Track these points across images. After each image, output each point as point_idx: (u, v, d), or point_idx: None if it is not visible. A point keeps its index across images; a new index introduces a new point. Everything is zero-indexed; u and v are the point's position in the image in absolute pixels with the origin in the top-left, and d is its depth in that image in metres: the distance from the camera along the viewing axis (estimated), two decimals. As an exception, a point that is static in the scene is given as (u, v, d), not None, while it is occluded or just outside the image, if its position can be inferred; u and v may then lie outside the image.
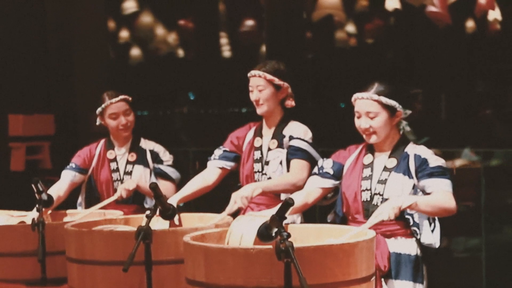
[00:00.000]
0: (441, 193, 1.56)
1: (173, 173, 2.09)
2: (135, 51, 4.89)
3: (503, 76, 3.55)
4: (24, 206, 2.01)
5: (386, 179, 1.60)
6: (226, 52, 4.92)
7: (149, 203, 2.08)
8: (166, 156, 2.12)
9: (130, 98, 2.09)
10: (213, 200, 2.01)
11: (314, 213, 1.77)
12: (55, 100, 3.70)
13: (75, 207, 2.13)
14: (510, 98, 3.37)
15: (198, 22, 4.79)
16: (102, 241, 1.51)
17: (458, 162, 2.91)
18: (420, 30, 3.83)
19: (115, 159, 2.11)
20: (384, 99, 1.59)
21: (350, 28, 4.22)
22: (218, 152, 1.95)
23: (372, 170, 1.63)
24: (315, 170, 1.70)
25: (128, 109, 2.07)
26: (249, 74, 1.89)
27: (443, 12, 3.13)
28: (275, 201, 1.84)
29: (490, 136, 3.24)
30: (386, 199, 1.57)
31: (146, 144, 2.13)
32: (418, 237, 1.60)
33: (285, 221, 1.27)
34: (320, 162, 1.70)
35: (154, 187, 1.51)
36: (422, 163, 1.59)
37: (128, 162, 2.10)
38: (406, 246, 1.60)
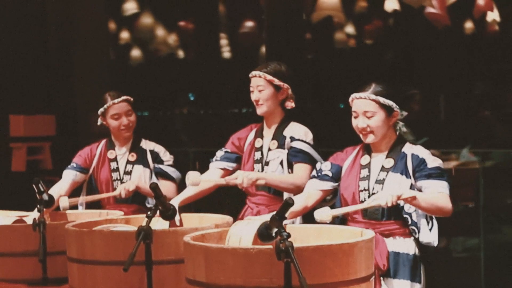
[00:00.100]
0: (438, 194, 1.57)
1: (173, 172, 2.10)
2: (136, 52, 4.90)
3: (502, 77, 3.56)
4: (25, 206, 2.01)
5: (383, 179, 1.62)
6: (226, 53, 4.93)
7: (150, 202, 2.08)
8: (167, 156, 2.13)
9: (132, 99, 2.10)
10: (214, 200, 2.02)
11: (313, 215, 1.77)
12: (55, 101, 3.71)
13: (77, 206, 2.14)
14: (509, 98, 3.38)
15: (198, 23, 4.80)
16: (103, 241, 1.51)
17: (457, 163, 2.92)
18: (419, 31, 3.84)
19: (115, 159, 2.12)
20: (382, 99, 1.61)
21: (350, 29, 4.23)
22: (219, 153, 1.96)
23: (369, 171, 1.64)
24: (314, 173, 1.72)
25: (130, 110, 2.09)
26: (250, 74, 1.91)
27: (442, 13, 3.14)
28: (275, 201, 1.86)
29: (489, 137, 3.25)
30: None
31: (147, 145, 2.14)
32: (417, 236, 1.61)
33: (284, 222, 1.28)
34: (318, 165, 1.72)
35: (154, 187, 1.52)
36: (419, 163, 1.60)
37: (128, 162, 2.11)
38: (404, 246, 1.62)
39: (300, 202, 1.66)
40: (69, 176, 2.10)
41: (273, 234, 1.27)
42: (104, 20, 4.02)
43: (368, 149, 1.68)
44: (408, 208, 1.60)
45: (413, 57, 4.03)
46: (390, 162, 1.63)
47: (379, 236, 1.59)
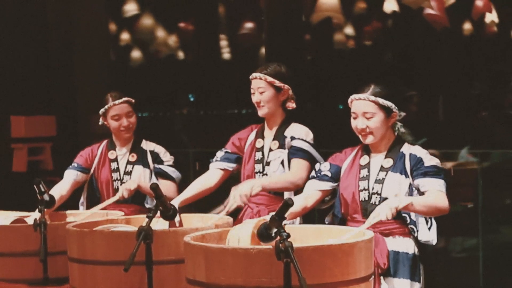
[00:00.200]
0: (434, 193, 1.58)
1: (173, 172, 2.11)
2: (136, 53, 4.91)
3: (500, 78, 3.57)
4: (25, 207, 2.02)
5: (383, 179, 1.62)
6: (226, 54, 4.94)
7: (149, 203, 2.09)
8: (167, 157, 2.14)
9: (133, 100, 2.11)
10: (214, 201, 2.03)
11: (313, 215, 1.78)
12: (56, 102, 3.71)
13: (78, 207, 2.15)
14: (508, 99, 3.39)
15: (198, 24, 4.81)
16: (103, 241, 1.52)
17: (456, 163, 2.93)
18: (418, 33, 3.85)
19: (116, 159, 2.13)
20: (381, 100, 1.62)
21: (349, 30, 4.25)
22: (220, 154, 1.97)
23: (369, 171, 1.65)
24: (313, 173, 1.72)
25: (130, 111, 2.10)
26: (250, 77, 1.91)
27: (441, 14, 3.16)
28: (275, 201, 1.86)
29: (488, 137, 3.26)
30: (385, 198, 1.59)
31: (147, 145, 2.15)
32: (416, 234, 1.62)
33: (284, 222, 1.29)
34: (318, 165, 1.72)
35: (155, 187, 1.52)
36: (417, 162, 1.62)
37: (128, 162, 2.11)
38: (404, 245, 1.62)
39: (300, 202, 1.66)
40: (71, 176, 2.11)
41: (273, 234, 1.27)
42: (105, 21, 4.03)
43: (367, 150, 1.68)
44: (407, 207, 1.61)
45: (412, 58, 4.04)
46: (389, 162, 1.64)
47: (379, 235, 1.60)
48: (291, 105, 1.91)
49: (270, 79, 1.88)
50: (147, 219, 1.48)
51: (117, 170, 2.11)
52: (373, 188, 1.63)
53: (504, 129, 3.22)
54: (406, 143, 1.67)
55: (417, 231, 1.61)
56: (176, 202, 1.78)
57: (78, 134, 3.70)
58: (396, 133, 1.67)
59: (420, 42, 3.93)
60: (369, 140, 1.65)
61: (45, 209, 1.77)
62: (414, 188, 1.61)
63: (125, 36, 4.78)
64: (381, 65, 4.09)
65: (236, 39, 4.63)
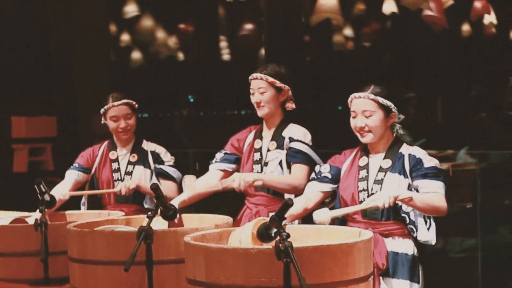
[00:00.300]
0: (434, 194, 1.59)
1: (174, 172, 2.11)
2: (136, 54, 4.93)
3: (498, 79, 3.59)
4: (26, 207, 2.03)
5: (382, 179, 1.63)
6: (226, 55, 4.96)
7: (148, 203, 2.10)
8: (167, 157, 2.14)
9: (134, 103, 2.11)
10: (213, 201, 2.04)
11: (312, 216, 1.79)
12: (57, 103, 3.73)
13: (79, 207, 2.15)
14: (506, 100, 3.41)
15: (198, 25, 4.83)
16: (104, 241, 1.53)
17: (454, 164, 2.94)
18: (416, 34, 3.87)
19: (116, 160, 2.13)
20: (381, 99, 1.63)
21: (348, 31, 4.27)
22: (219, 155, 1.98)
23: (368, 172, 1.66)
24: (313, 175, 1.73)
25: (129, 113, 2.10)
26: (250, 77, 1.92)
27: (440, 16, 3.17)
28: (274, 202, 1.87)
29: (486, 138, 3.27)
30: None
31: (148, 146, 2.16)
32: (415, 234, 1.63)
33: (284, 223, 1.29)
34: (317, 167, 1.73)
35: (155, 187, 1.53)
36: (416, 163, 1.63)
37: (129, 163, 2.12)
38: (403, 246, 1.63)
39: (300, 204, 1.67)
40: (72, 176, 2.12)
41: (273, 235, 1.28)
42: (105, 23, 4.04)
43: (366, 151, 1.69)
44: (405, 207, 1.62)
45: (411, 59, 4.05)
46: (388, 163, 1.65)
47: (378, 236, 1.61)
48: (291, 105, 1.92)
49: (271, 79, 1.88)
50: (147, 219, 1.48)
51: (118, 170, 2.12)
52: (372, 189, 1.63)
53: (502, 130, 3.23)
54: (405, 144, 1.68)
55: (416, 231, 1.62)
56: (175, 203, 1.79)
57: (78, 135, 3.71)
58: (394, 135, 1.68)
59: (419, 43, 3.94)
60: (368, 138, 1.65)
61: (46, 209, 1.78)
62: (413, 189, 1.62)
63: (125, 37, 4.79)
64: (380, 66, 4.10)
65: (236, 40, 4.64)
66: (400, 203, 1.61)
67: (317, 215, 1.54)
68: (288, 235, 1.23)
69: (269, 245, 1.28)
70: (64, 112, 3.72)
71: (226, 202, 1.88)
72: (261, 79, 1.89)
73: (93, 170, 2.15)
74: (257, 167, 1.91)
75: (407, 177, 1.62)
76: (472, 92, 3.83)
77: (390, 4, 3.46)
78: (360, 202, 1.64)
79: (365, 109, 1.63)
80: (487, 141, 3.22)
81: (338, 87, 3.92)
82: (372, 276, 1.38)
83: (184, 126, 4.72)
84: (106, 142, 2.18)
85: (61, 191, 2.05)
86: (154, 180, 2.10)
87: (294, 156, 1.87)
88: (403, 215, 1.62)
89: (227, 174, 1.95)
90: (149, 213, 1.51)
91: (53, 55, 3.77)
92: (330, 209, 1.67)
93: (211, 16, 4.85)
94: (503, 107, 3.34)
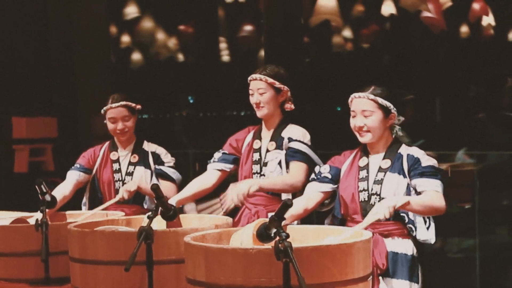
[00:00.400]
0: (431, 193, 1.60)
1: (174, 173, 2.12)
2: (136, 56, 4.94)
3: (496, 80, 3.60)
4: (27, 207, 2.04)
5: (382, 179, 1.64)
6: (225, 57, 4.97)
7: (148, 204, 2.11)
8: (168, 158, 2.15)
9: (132, 105, 2.12)
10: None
11: (311, 216, 1.80)
12: (57, 104, 3.74)
13: (80, 207, 2.16)
14: (504, 101, 3.42)
15: (197, 27, 4.84)
16: (104, 241, 1.54)
17: (453, 164, 2.95)
18: (415, 35, 3.88)
19: (117, 160, 2.14)
20: (380, 99, 1.64)
21: (347, 33, 4.28)
22: (217, 155, 1.98)
23: (368, 172, 1.67)
24: (313, 176, 1.74)
25: (127, 115, 2.11)
26: (249, 78, 1.92)
27: (438, 17, 3.19)
28: (273, 202, 1.88)
29: (485, 139, 3.28)
30: (383, 199, 1.61)
31: (149, 147, 2.16)
32: (414, 234, 1.64)
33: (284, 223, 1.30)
34: (317, 168, 1.74)
35: (155, 188, 1.54)
36: (414, 162, 1.64)
37: (130, 163, 2.13)
38: (402, 246, 1.64)
39: (301, 204, 1.67)
40: (73, 176, 2.13)
41: (272, 235, 1.29)
42: (105, 24, 4.06)
43: (365, 151, 1.70)
44: (404, 207, 1.63)
45: (409, 61, 4.07)
46: (387, 163, 1.66)
47: (378, 236, 1.62)
48: (289, 106, 1.93)
49: (270, 80, 1.89)
50: (147, 220, 1.49)
51: (119, 171, 2.13)
52: (372, 189, 1.65)
53: (501, 130, 3.25)
54: (404, 145, 1.69)
55: (416, 230, 1.63)
56: (173, 202, 1.79)
57: (78, 136, 3.72)
58: (394, 136, 1.70)
59: (418, 44, 3.96)
60: (367, 138, 1.66)
61: (47, 210, 1.78)
62: (412, 188, 1.63)
63: (125, 38, 4.80)
64: (379, 67, 4.12)
65: (235, 41, 4.65)
66: None
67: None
68: (287, 235, 1.24)
69: (269, 245, 1.29)
70: (65, 113, 3.72)
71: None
72: (261, 80, 1.90)
73: (94, 171, 2.15)
74: (256, 167, 1.92)
75: (406, 177, 1.63)
76: (471, 93, 3.84)
77: (389, 6, 3.48)
78: (360, 202, 1.65)
79: (364, 109, 1.65)
80: (486, 142, 3.23)
81: (337, 88, 3.94)
82: (371, 276, 1.39)
83: (184, 126, 4.73)
84: (107, 143, 2.19)
85: (63, 191, 2.05)
86: (155, 181, 2.10)
87: (293, 156, 1.87)
88: (402, 214, 1.63)
89: (224, 174, 1.96)
90: (150, 213, 1.52)
91: (54, 56, 3.78)
92: (329, 211, 1.68)
93: (211, 17, 4.86)
94: (501, 108, 3.36)
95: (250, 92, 1.93)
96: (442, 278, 2.70)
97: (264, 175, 1.90)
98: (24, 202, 2.13)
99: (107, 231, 1.61)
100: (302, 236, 1.50)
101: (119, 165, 2.14)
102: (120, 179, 2.12)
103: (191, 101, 5.07)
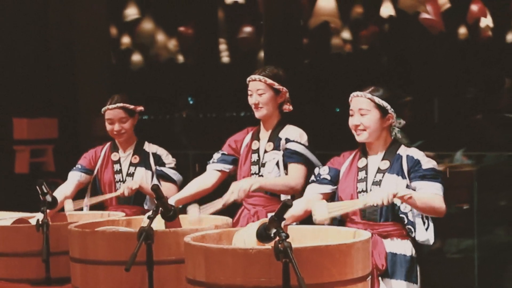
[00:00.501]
0: (433, 195, 1.61)
1: (175, 175, 2.13)
2: (136, 57, 4.95)
3: (495, 81, 3.62)
4: (28, 208, 2.05)
5: (380, 180, 1.65)
6: (225, 58, 4.98)
7: (148, 204, 2.12)
8: (169, 159, 2.16)
9: (130, 106, 2.12)
10: (212, 201, 2.05)
11: (310, 217, 1.81)
12: (58, 105, 3.74)
13: (81, 209, 2.16)
14: (502, 102, 3.44)
15: (197, 28, 4.85)
16: (105, 242, 1.55)
17: (451, 165, 2.97)
18: (414, 37, 3.90)
19: (118, 161, 2.15)
20: (377, 99, 1.65)
21: (346, 34, 4.30)
22: (216, 156, 1.99)
23: (366, 173, 1.68)
24: (313, 178, 1.75)
25: (124, 117, 2.11)
26: (248, 79, 1.93)
27: (437, 19, 3.20)
28: (271, 202, 1.88)
29: (483, 140, 3.30)
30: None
31: (150, 148, 2.17)
32: (413, 235, 1.64)
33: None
34: (317, 170, 1.75)
35: (155, 188, 1.55)
36: (414, 164, 1.64)
37: (131, 164, 2.14)
38: (401, 247, 1.65)
39: (301, 206, 1.68)
40: (75, 177, 2.14)
41: (272, 235, 1.30)
42: (106, 25, 4.06)
43: (364, 152, 1.71)
44: (404, 207, 1.64)
45: (408, 62, 4.08)
46: (386, 164, 1.67)
47: (377, 237, 1.63)
48: (288, 107, 1.94)
49: (269, 81, 1.90)
50: (148, 220, 1.50)
51: (120, 171, 2.14)
52: (370, 190, 1.65)
53: (499, 131, 3.26)
54: (403, 146, 1.70)
55: (415, 231, 1.64)
56: (171, 202, 1.80)
57: (79, 136, 3.73)
58: (393, 138, 1.70)
59: (416, 46, 3.97)
60: (363, 137, 1.67)
61: (48, 210, 1.79)
62: (411, 190, 1.63)
63: (125, 40, 4.82)
64: (378, 68, 4.13)
65: (235, 42, 4.67)
66: (398, 204, 1.63)
67: (316, 213, 1.54)
68: (287, 236, 1.25)
69: (269, 246, 1.29)
70: (65, 114, 3.73)
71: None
72: (260, 80, 1.91)
73: (95, 172, 2.16)
74: (254, 168, 1.93)
75: (405, 178, 1.64)
76: (469, 94, 3.85)
77: (388, 8, 3.49)
78: None
79: (361, 107, 1.66)
80: (484, 143, 3.25)
81: (336, 89, 3.95)
82: (370, 276, 1.40)
83: (184, 127, 4.73)
84: (108, 144, 2.20)
85: (65, 192, 2.06)
86: (155, 181, 2.11)
87: (290, 157, 1.88)
88: (401, 215, 1.64)
89: (224, 174, 1.97)
90: (150, 213, 1.53)
91: (54, 57, 3.79)
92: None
93: (211, 19, 4.88)
94: (499, 109, 3.37)
95: (249, 92, 1.94)
96: (441, 279, 2.71)
97: (262, 175, 1.91)
98: (25, 202, 2.14)
99: (108, 232, 1.62)
100: (301, 236, 1.51)
101: (120, 166, 2.14)
102: (121, 179, 2.13)
103: (191, 102, 5.08)
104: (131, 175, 2.13)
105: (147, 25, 4.56)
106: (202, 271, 1.33)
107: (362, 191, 1.66)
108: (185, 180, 2.10)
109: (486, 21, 3.56)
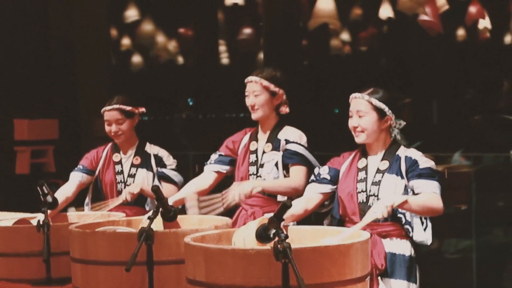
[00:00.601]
0: (429, 194, 1.62)
1: (175, 176, 2.14)
2: (136, 58, 4.96)
3: (493, 83, 3.64)
4: (29, 208, 2.05)
5: (379, 181, 1.67)
6: (225, 59, 5.00)
7: (149, 205, 2.12)
8: (170, 160, 2.17)
9: (127, 108, 2.12)
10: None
11: (309, 217, 1.82)
12: (58, 106, 3.75)
13: (82, 207, 2.17)
14: (500, 103, 3.45)
15: (197, 30, 4.86)
16: (105, 242, 1.55)
17: (449, 166, 2.98)
18: (413, 38, 3.91)
19: (120, 162, 2.16)
20: (374, 101, 1.66)
21: (345, 36, 4.31)
22: (214, 156, 2.00)
23: (366, 173, 1.69)
24: (312, 177, 1.76)
25: (121, 118, 2.12)
26: (246, 80, 1.94)
27: (435, 20, 3.22)
28: (269, 203, 1.89)
29: (481, 141, 3.31)
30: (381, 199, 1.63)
31: (151, 149, 2.18)
32: (411, 235, 1.66)
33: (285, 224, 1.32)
34: (317, 169, 1.76)
35: (156, 189, 1.56)
36: (412, 164, 1.66)
37: (132, 165, 2.15)
38: (401, 247, 1.66)
39: (301, 205, 1.69)
40: (76, 177, 2.15)
41: (271, 235, 1.31)
42: (106, 27, 4.07)
43: (364, 153, 1.73)
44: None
45: (407, 63, 4.10)
46: (385, 164, 1.68)
47: (376, 237, 1.64)
48: (285, 109, 1.94)
49: (265, 83, 1.91)
50: (148, 220, 1.51)
51: (121, 172, 2.14)
52: (370, 190, 1.66)
53: (497, 132, 3.28)
54: (402, 146, 1.71)
55: (412, 231, 1.65)
56: (169, 202, 1.79)
57: (80, 137, 3.73)
58: (392, 139, 1.71)
59: (415, 47, 3.99)
60: (361, 138, 1.69)
61: (49, 211, 1.80)
62: (409, 190, 1.65)
63: (126, 41, 4.83)
64: (377, 70, 4.15)
65: (235, 44, 4.68)
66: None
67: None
68: (286, 236, 1.26)
69: (269, 246, 1.30)
70: (66, 115, 3.73)
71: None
72: (256, 82, 1.91)
73: (96, 172, 2.17)
74: (252, 168, 1.93)
75: (404, 178, 1.65)
76: (467, 95, 3.87)
77: (387, 9, 3.51)
78: (359, 203, 1.67)
79: (359, 109, 1.67)
80: (482, 144, 3.26)
81: (335, 90, 3.96)
82: (369, 276, 1.40)
83: (184, 128, 4.75)
84: (110, 144, 2.21)
85: (66, 192, 2.07)
86: (157, 183, 2.12)
87: (290, 158, 1.89)
88: (399, 215, 1.65)
89: (221, 175, 1.98)
90: (150, 214, 1.54)
91: (55, 58, 3.80)
92: (328, 211, 1.69)
93: (211, 20, 4.89)
94: (497, 110, 3.39)
95: (246, 93, 1.94)
96: (439, 279, 2.72)
97: (260, 176, 1.92)
98: (25, 203, 2.15)
99: (108, 232, 1.63)
100: (300, 237, 1.51)
101: (122, 166, 2.15)
102: (123, 180, 2.14)
103: (191, 103, 5.09)
104: (132, 176, 2.13)
105: (147, 26, 4.58)
106: (202, 271, 1.33)
107: (362, 191, 1.67)
108: (185, 181, 2.11)
109: (485, 23, 3.58)
